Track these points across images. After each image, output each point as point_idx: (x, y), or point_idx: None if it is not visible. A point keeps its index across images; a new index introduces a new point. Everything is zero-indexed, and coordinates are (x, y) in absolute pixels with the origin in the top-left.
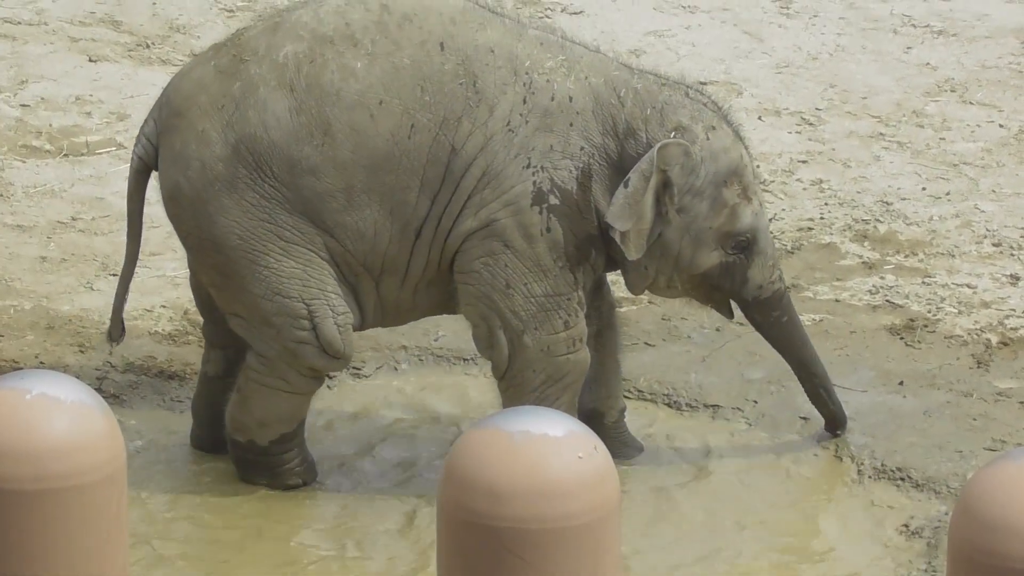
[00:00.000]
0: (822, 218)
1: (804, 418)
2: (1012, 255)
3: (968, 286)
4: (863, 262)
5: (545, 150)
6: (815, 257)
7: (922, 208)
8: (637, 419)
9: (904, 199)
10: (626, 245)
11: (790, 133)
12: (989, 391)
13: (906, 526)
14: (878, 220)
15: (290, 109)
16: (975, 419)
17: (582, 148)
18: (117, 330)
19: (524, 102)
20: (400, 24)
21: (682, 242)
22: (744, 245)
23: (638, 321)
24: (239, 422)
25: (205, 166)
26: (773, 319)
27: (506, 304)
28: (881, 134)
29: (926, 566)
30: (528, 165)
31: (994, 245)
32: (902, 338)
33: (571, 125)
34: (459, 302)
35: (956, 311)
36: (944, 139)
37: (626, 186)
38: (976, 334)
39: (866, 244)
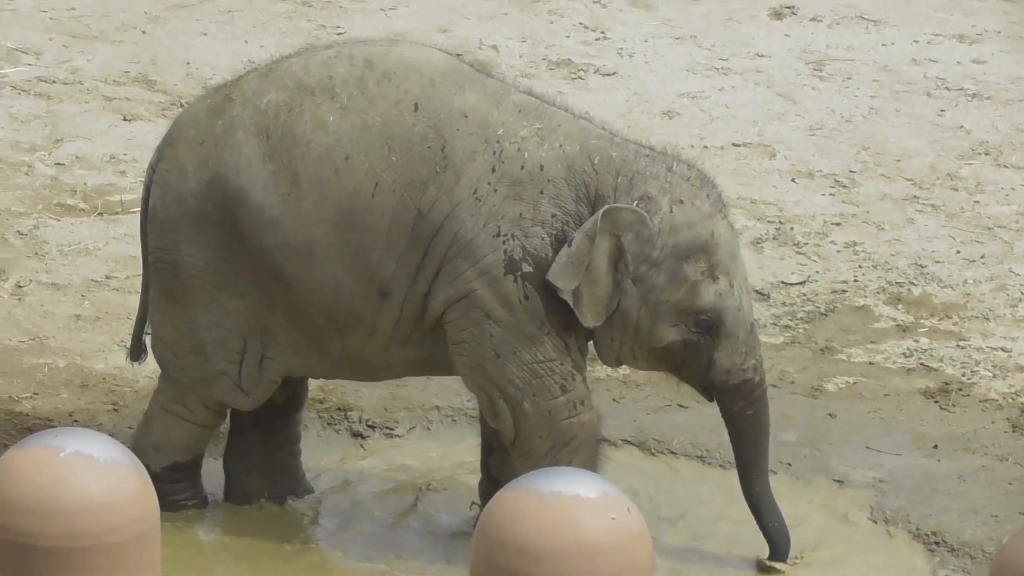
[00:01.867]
0: (856, 280)
1: (839, 481)
2: None
3: (1003, 349)
4: (897, 325)
5: (515, 218)
6: (849, 319)
7: (956, 271)
8: (669, 478)
9: (938, 262)
10: (580, 310)
11: (823, 195)
12: None
13: None
14: (912, 283)
15: (263, 155)
16: (1011, 483)
17: (554, 215)
18: (136, 351)
19: (493, 171)
20: (379, 81)
21: (639, 312)
22: (708, 325)
23: (670, 382)
24: (138, 443)
25: (180, 197)
26: (737, 410)
27: (499, 373)
28: (915, 197)
29: None
30: (498, 234)
31: None
32: (936, 401)
33: (541, 193)
34: (457, 371)
35: (991, 375)
36: (978, 202)
37: (570, 245)
38: (1011, 398)
39: (900, 307)
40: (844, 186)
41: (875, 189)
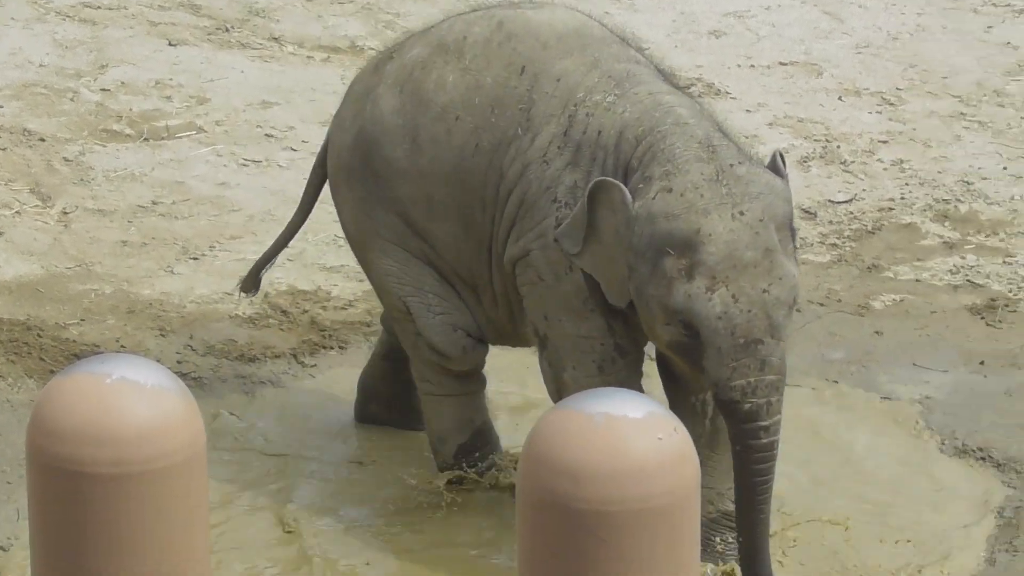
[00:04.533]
0: (903, 198)
1: (886, 398)
2: None
3: None
4: (944, 242)
5: (571, 185)
6: (896, 237)
7: (1003, 188)
8: None
9: (985, 179)
10: (605, 288)
11: (871, 113)
12: None
13: (986, 503)
14: (959, 200)
15: (394, 109)
16: None
17: None
18: (249, 284)
19: (564, 134)
20: (501, 43)
21: (640, 304)
22: (690, 328)
23: None
24: (431, 446)
25: (339, 153)
26: (731, 435)
27: (548, 332)
28: (962, 114)
29: (1008, 545)
30: (555, 199)
31: None
32: (983, 318)
33: (593, 160)
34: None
35: None
36: None
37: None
38: None
39: (947, 224)
40: (891, 104)
41: (922, 106)
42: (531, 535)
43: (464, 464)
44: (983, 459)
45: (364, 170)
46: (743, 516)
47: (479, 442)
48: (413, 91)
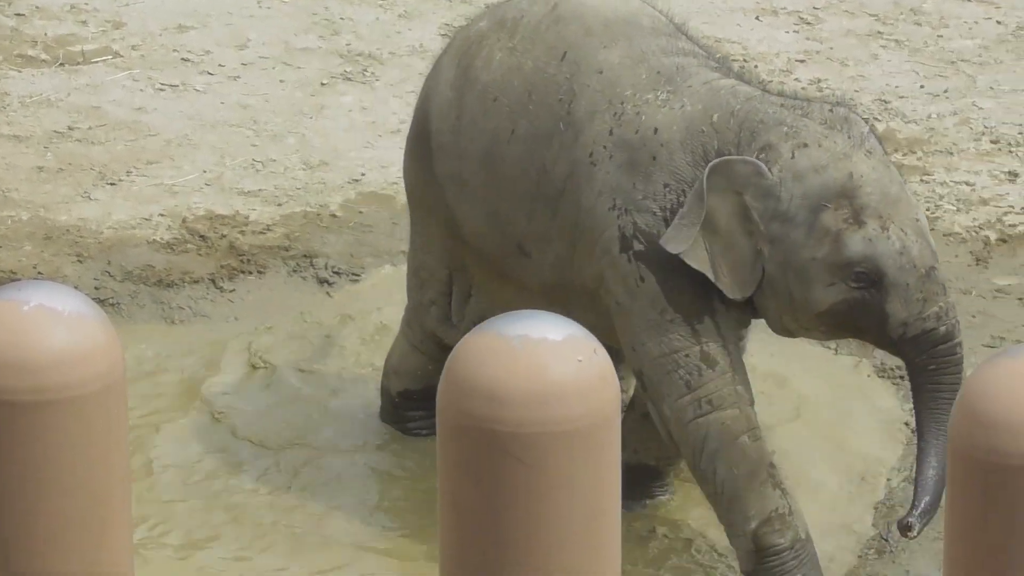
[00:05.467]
0: None
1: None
2: (1010, 152)
3: (967, 183)
4: None
5: (628, 189)
6: None
7: (920, 106)
8: None
9: (902, 97)
10: (721, 282)
11: (787, 32)
12: (988, 288)
13: (907, 424)
14: (876, 119)
15: (449, 83)
16: (974, 316)
17: (666, 185)
18: None
19: (610, 133)
20: (550, 25)
21: (787, 278)
22: (867, 277)
23: None
24: (385, 363)
25: (414, 117)
26: (919, 363)
27: (641, 367)
28: (879, 32)
29: None
30: (613, 207)
31: (992, 142)
32: None
33: (654, 159)
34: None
35: (955, 208)
36: (942, 36)
37: (684, 207)
38: (975, 231)
39: None
40: (808, 23)
41: (839, 25)
42: (450, 460)
43: (403, 413)
44: (901, 378)
45: (421, 138)
46: (933, 430)
47: (426, 402)
48: (466, 67)
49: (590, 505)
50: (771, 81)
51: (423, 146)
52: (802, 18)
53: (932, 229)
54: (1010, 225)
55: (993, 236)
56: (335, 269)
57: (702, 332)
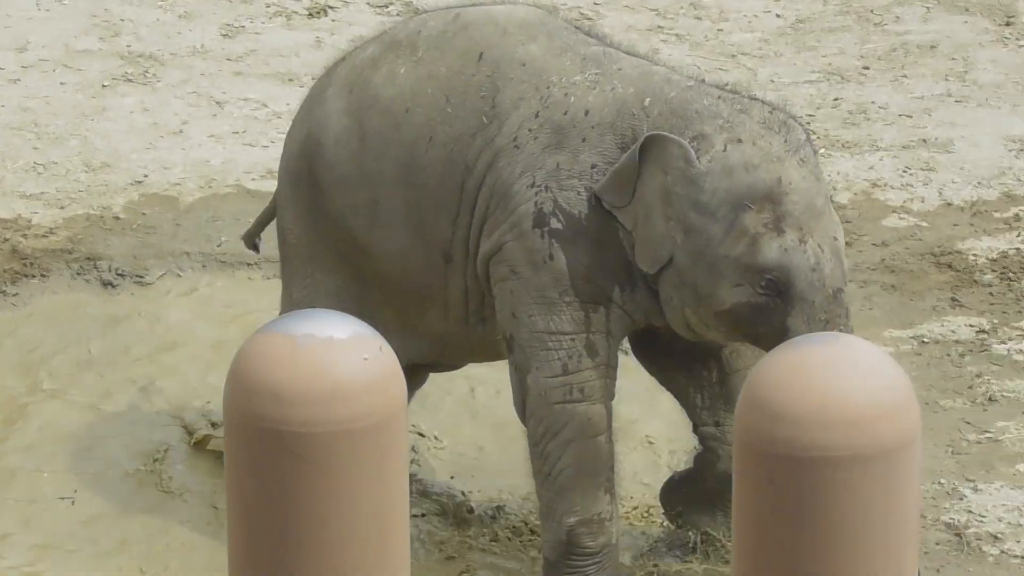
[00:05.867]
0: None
1: None
2: None
3: None
4: None
5: (552, 169)
6: None
7: None
8: None
9: None
10: (635, 248)
11: None
12: None
13: None
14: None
15: (340, 111)
16: None
17: (594, 166)
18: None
19: (536, 116)
20: (456, 32)
21: (696, 269)
22: (775, 285)
23: None
24: None
25: (286, 157)
26: None
27: (516, 332)
28: (660, 27)
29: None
30: (532, 184)
31: None
32: None
33: (583, 141)
34: None
35: None
36: (722, 30)
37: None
38: None
39: None
40: (589, 19)
41: (620, 20)
42: (239, 460)
43: None
44: None
45: (309, 178)
46: None
47: None
48: (362, 89)
49: (376, 502)
50: None
51: (311, 189)
52: (583, 14)
53: None
54: None
55: None
56: (119, 271)
57: (593, 321)
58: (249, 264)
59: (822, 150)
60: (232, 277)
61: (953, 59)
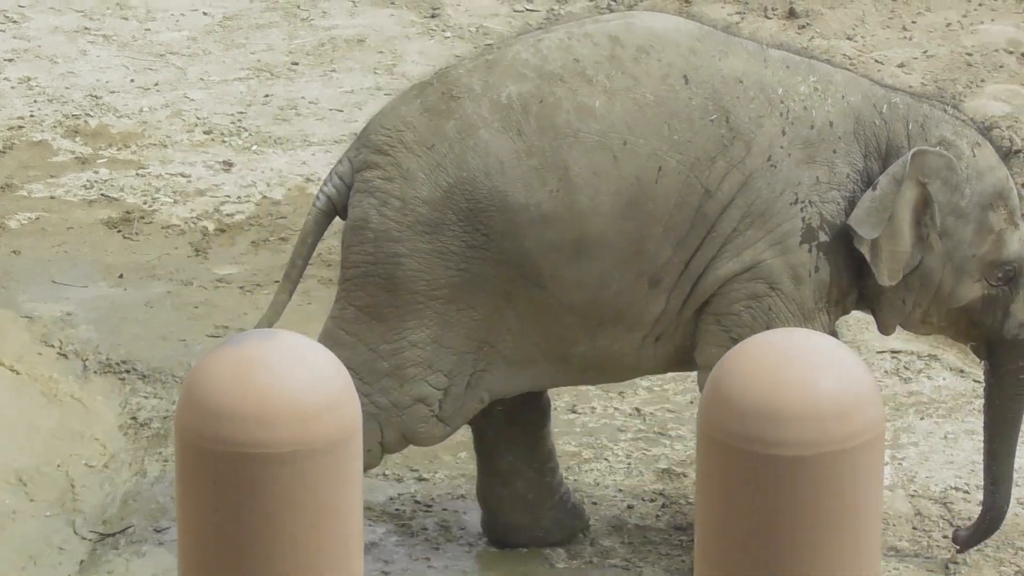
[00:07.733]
0: (32, 116)
1: (27, 317)
2: (224, 142)
3: (182, 175)
4: (76, 158)
5: (812, 183)
6: (28, 155)
7: (132, 100)
8: None
9: (113, 92)
10: (878, 267)
11: None
12: (209, 278)
13: (135, 419)
14: (88, 115)
15: (518, 152)
16: (197, 307)
17: (848, 176)
18: None
19: (783, 133)
20: (636, 58)
21: (944, 271)
22: (1010, 276)
23: None
24: None
25: (406, 205)
26: (1011, 370)
27: None
28: (87, 28)
29: (159, 455)
30: (795, 201)
31: (205, 133)
32: (120, 231)
33: (835, 152)
34: (700, 345)
35: (172, 201)
36: (150, 30)
37: (874, 189)
38: (193, 222)
39: (78, 139)
40: (15, 21)
41: (46, 23)
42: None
43: None
44: (127, 372)
45: (464, 225)
46: (1008, 436)
47: None
48: (542, 128)
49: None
50: None
51: (471, 234)
52: (8, 16)
53: (150, 223)
54: (227, 215)
55: (211, 226)
56: None
57: (831, 322)
58: None
59: (253, 147)
60: None
61: (381, 52)
